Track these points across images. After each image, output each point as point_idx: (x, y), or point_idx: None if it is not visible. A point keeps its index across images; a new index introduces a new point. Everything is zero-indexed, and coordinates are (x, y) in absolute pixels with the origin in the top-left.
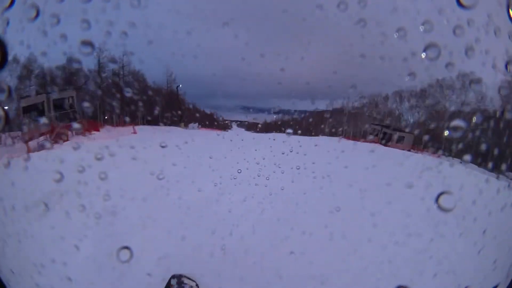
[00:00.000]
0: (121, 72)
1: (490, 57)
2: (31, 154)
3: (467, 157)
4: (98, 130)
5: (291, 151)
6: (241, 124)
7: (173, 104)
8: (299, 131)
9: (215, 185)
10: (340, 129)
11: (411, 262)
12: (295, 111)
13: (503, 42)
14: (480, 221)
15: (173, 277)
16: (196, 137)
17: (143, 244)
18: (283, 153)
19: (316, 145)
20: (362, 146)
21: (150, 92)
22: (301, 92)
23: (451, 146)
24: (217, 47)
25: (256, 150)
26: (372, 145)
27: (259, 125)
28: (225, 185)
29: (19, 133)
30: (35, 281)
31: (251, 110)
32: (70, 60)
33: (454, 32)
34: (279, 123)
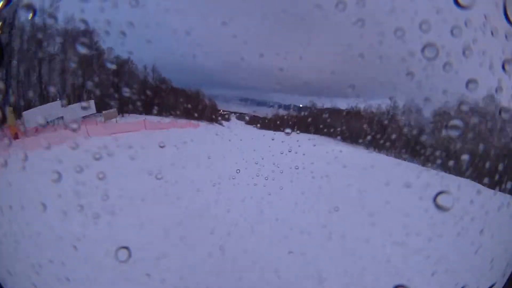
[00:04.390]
0: None
1: (487, 58)
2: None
3: (465, 157)
4: None
5: (289, 151)
6: (240, 116)
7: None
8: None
9: (214, 185)
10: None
11: (409, 262)
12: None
13: (500, 42)
14: (477, 220)
15: None
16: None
17: (142, 244)
18: (281, 153)
19: (314, 145)
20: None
21: None
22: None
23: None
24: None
25: (254, 150)
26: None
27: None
28: (223, 185)
29: None
30: (33, 281)
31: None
32: None
33: (451, 32)
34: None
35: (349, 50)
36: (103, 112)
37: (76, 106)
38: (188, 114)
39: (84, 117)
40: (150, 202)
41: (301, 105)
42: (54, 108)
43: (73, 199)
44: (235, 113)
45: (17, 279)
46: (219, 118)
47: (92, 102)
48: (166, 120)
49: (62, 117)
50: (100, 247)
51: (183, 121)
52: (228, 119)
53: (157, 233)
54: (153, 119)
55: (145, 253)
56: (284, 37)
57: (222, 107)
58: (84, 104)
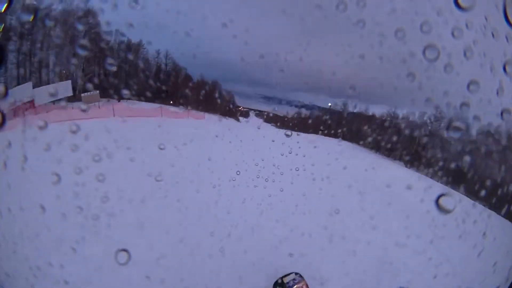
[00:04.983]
0: None
1: (488, 59)
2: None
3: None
4: None
5: (290, 153)
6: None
7: None
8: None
9: (214, 187)
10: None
11: (411, 264)
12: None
13: (500, 44)
14: (479, 223)
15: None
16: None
17: (141, 246)
18: (282, 155)
19: (315, 147)
20: (362, 147)
21: None
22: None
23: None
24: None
25: (254, 151)
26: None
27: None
28: (223, 186)
29: None
30: (31, 284)
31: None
32: None
33: (452, 33)
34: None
35: (349, 50)
36: (83, 94)
37: (47, 87)
38: (192, 104)
39: (59, 100)
40: (149, 203)
41: (330, 105)
42: (25, 90)
43: (72, 200)
44: (254, 110)
45: (16, 281)
46: (226, 112)
47: (68, 83)
48: (154, 106)
49: (32, 99)
50: (99, 249)
51: (182, 111)
52: (245, 115)
53: (157, 235)
54: (147, 106)
55: (145, 254)
56: (285, 39)
57: (240, 102)
58: (57, 85)
